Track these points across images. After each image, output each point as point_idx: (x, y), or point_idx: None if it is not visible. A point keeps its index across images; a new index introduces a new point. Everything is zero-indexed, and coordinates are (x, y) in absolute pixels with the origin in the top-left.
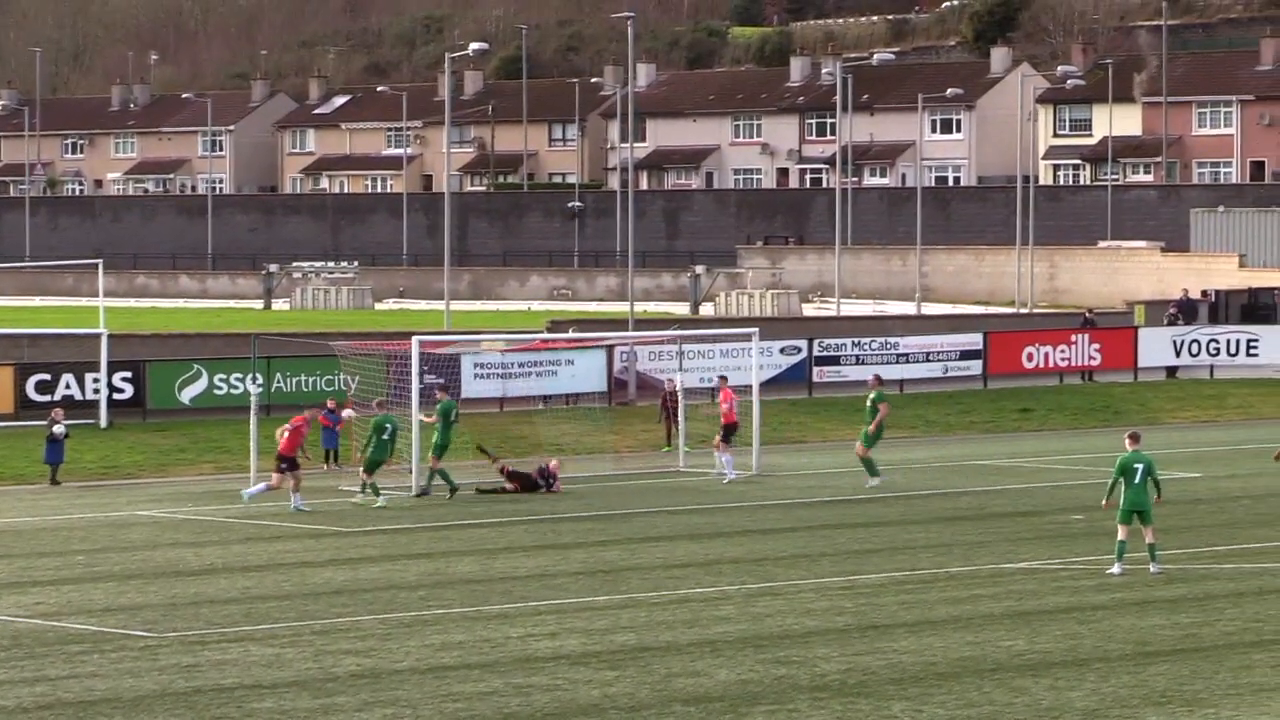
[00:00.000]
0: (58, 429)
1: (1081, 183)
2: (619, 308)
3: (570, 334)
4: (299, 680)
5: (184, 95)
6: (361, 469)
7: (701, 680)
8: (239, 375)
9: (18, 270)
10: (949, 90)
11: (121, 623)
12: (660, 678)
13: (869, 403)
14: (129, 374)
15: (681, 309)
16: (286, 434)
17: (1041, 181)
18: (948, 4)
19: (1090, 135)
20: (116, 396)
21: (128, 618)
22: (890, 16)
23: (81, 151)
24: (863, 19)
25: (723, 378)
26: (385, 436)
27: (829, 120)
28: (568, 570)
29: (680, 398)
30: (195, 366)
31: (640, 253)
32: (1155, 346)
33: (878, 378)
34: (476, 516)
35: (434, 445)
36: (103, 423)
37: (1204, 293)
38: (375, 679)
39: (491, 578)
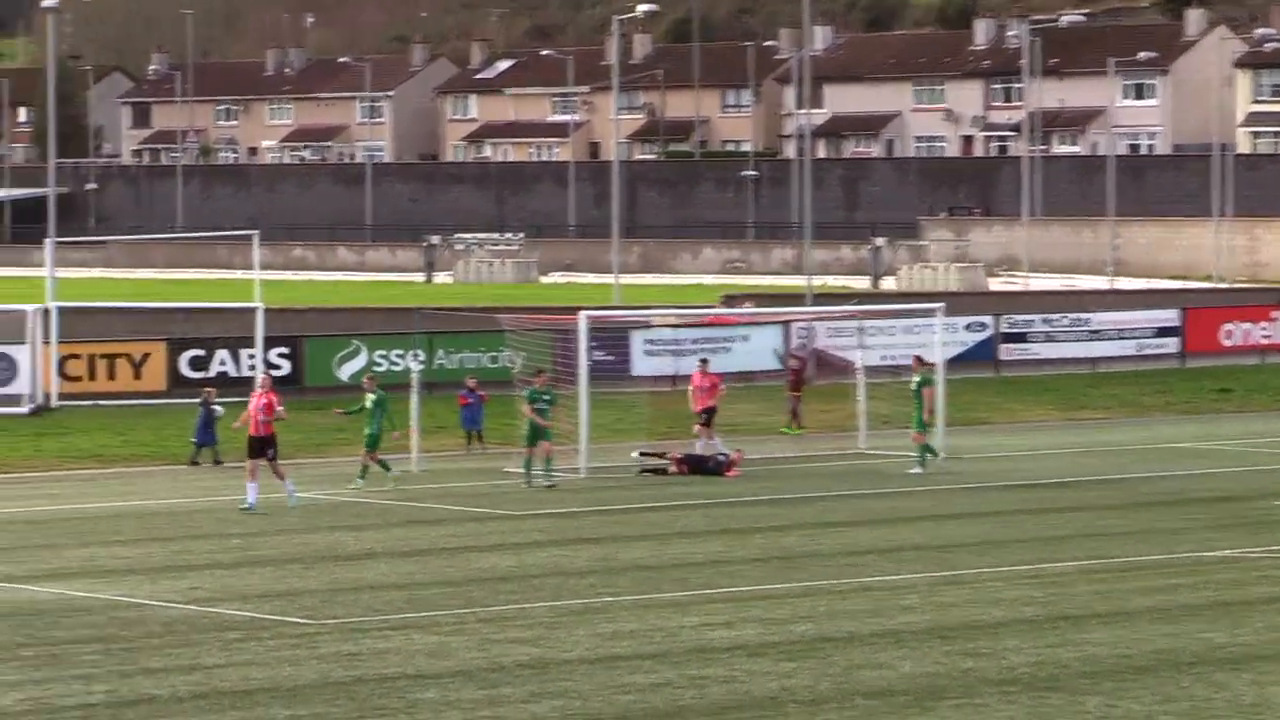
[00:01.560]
0: (218, 411)
1: None
2: (795, 282)
3: (745, 309)
4: (464, 670)
5: (341, 59)
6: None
7: (884, 673)
8: (400, 352)
9: (170, 242)
10: (1141, 53)
11: (279, 609)
12: (841, 670)
13: (914, 387)
14: (286, 350)
15: (861, 283)
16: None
17: (1240, 150)
18: None
19: None
20: (273, 373)
21: (286, 604)
22: None
23: (235, 118)
24: None
25: (703, 360)
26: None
27: (1015, 85)
28: (744, 557)
29: (861, 377)
30: (354, 342)
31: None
32: None
33: (919, 359)
34: (648, 500)
35: (367, 437)
36: None
37: None
38: (543, 669)
39: (664, 564)
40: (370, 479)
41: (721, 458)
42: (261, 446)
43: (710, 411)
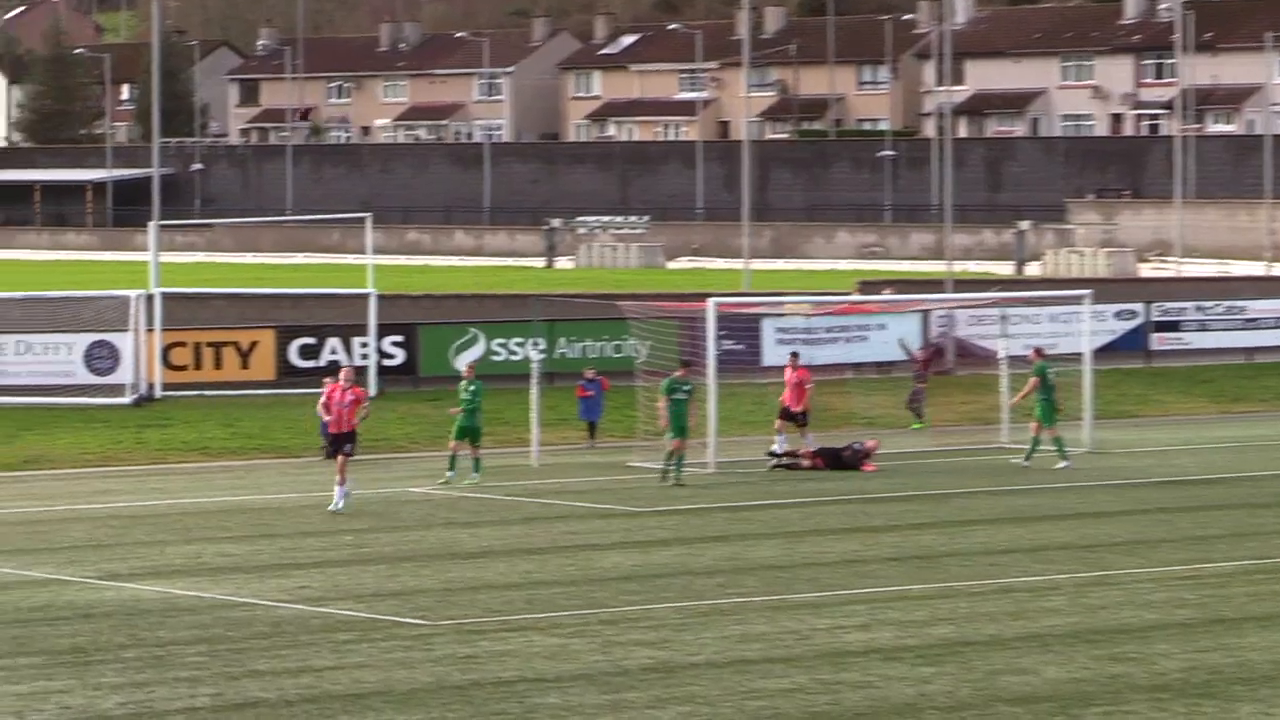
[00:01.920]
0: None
1: None
2: (935, 267)
3: (883, 296)
4: (586, 673)
5: (458, 34)
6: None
7: (1028, 678)
8: (519, 340)
9: (279, 225)
10: None
11: (393, 609)
12: (982, 675)
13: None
14: (400, 338)
15: (1004, 269)
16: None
17: None
18: None
19: None
20: (386, 362)
21: (399, 603)
22: None
23: (347, 96)
24: None
25: (793, 354)
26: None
27: (1167, 61)
28: (879, 556)
29: (1004, 367)
30: (471, 330)
31: (958, 207)
32: None
33: (1038, 351)
34: (779, 496)
35: (461, 429)
36: (372, 390)
37: None
38: (669, 673)
39: (796, 563)
40: (460, 473)
41: (858, 447)
42: (342, 442)
43: (801, 412)
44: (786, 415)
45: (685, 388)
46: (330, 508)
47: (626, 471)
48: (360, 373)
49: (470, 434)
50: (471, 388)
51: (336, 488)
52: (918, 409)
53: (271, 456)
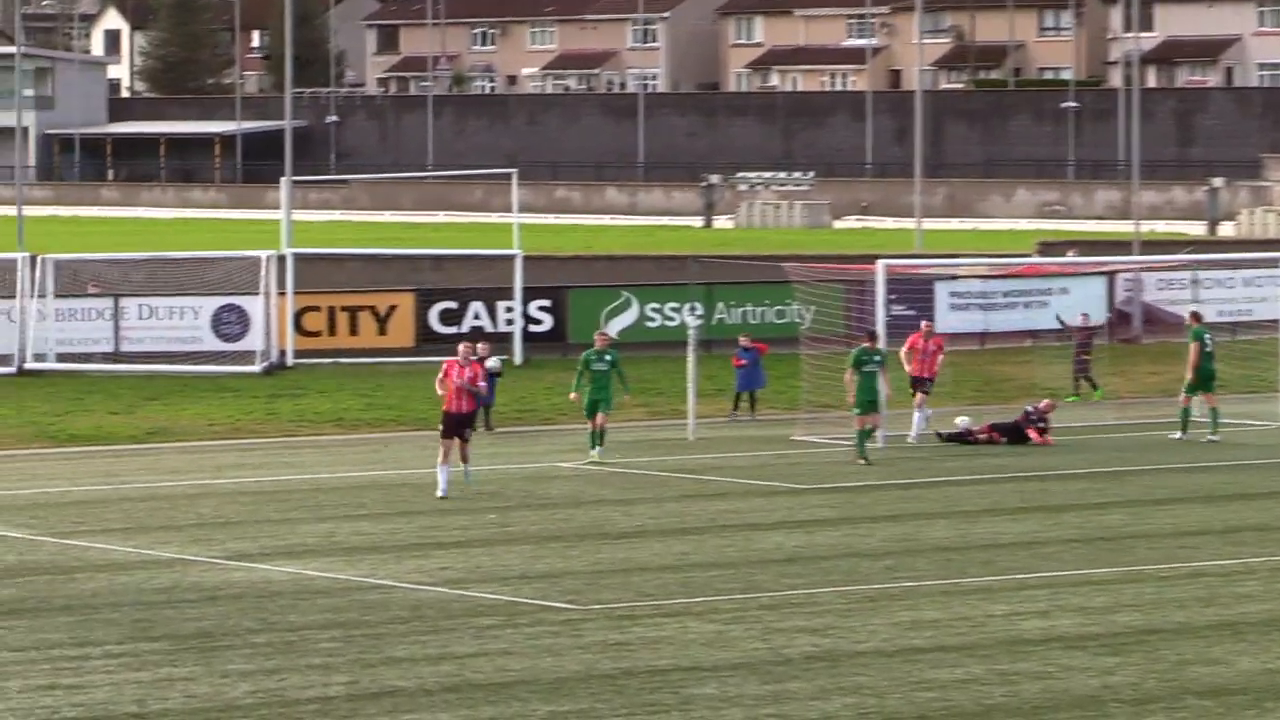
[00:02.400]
0: (492, 362)
1: None
2: (1121, 227)
3: (1066, 258)
4: (745, 662)
5: None
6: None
7: (1219, 669)
8: (675, 305)
9: (419, 181)
10: None
11: (539, 592)
12: (1170, 665)
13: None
14: (547, 302)
15: (1196, 229)
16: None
17: None
18: None
19: None
20: (533, 329)
21: (546, 586)
22: None
23: (492, 43)
24: None
25: (927, 321)
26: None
27: None
28: (1060, 537)
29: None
30: (624, 294)
31: (1146, 163)
32: None
33: (1195, 315)
34: (951, 473)
35: (594, 403)
36: (517, 359)
37: None
38: (834, 662)
39: (970, 545)
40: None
41: (1030, 409)
42: (461, 425)
43: (928, 380)
44: (916, 385)
45: (876, 359)
46: (438, 493)
47: (789, 446)
48: (504, 340)
49: (599, 406)
50: (607, 357)
51: (440, 470)
52: (1089, 379)
53: (410, 429)
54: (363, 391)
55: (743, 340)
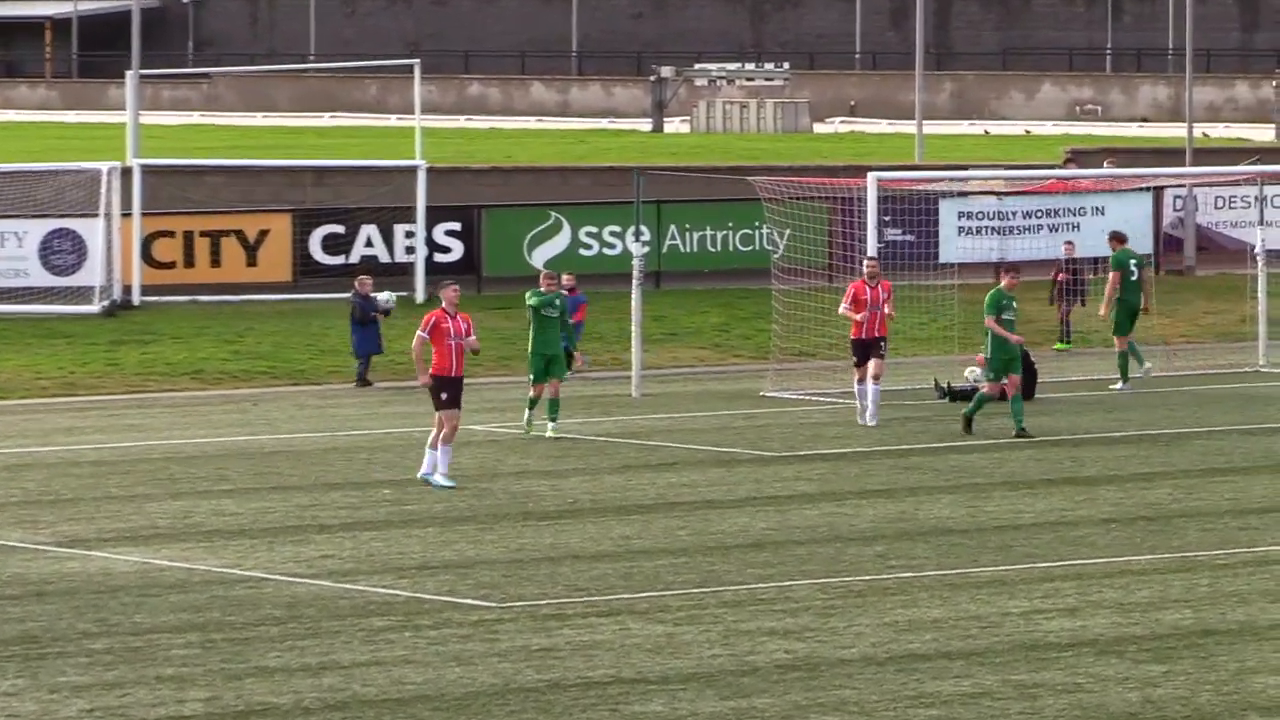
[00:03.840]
0: (383, 297)
1: None
2: (1170, 132)
3: (1101, 169)
4: (701, 672)
5: None
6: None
7: None
8: (615, 229)
9: (298, 75)
10: None
11: (445, 586)
12: (1228, 675)
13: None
14: (456, 226)
15: (1263, 134)
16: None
17: None
18: None
19: None
20: (439, 259)
21: (454, 579)
22: None
23: None
24: None
25: (871, 259)
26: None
27: None
28: (1092, 516)
29: (1262, 265)
30: (553, 215)
31: (1202, 51)
32: None
33: (1117, 236)
34: (959, 437)
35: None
36: (419, 296)
37: None
38: (811, 672)
39: (981, 526)
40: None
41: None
42: (456, 392)
43: (880, 341)
44: (862, 350)
45: (1014, 305)
46: (421, 474)
47: (757, 403)
48: (402, 273)
49: (554, 367)
50: (558, 301)
51: (428, 451)
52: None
53: (286, 383)
54: (227, 337)
55: (565, 280)
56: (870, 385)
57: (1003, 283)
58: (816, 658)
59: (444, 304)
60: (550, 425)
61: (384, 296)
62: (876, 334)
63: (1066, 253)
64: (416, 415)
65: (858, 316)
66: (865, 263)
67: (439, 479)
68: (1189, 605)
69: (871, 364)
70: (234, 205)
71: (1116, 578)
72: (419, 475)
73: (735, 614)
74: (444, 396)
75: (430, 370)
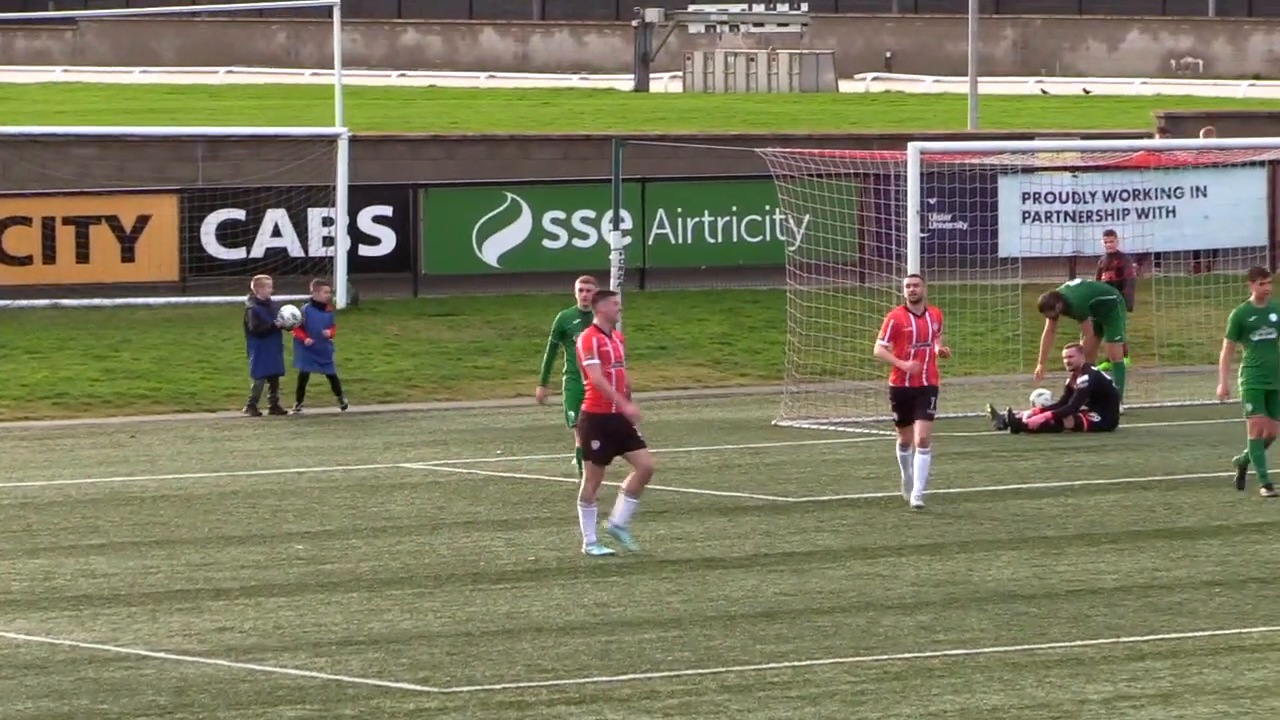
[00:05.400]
0: (288, 312)
1: None
2: None
3: (1202, 139)
4: None
5: None
6: None
7: None
8: (588, 214)
9: (187, 20)
10: None
11: (374, 666)
12: None
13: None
14: (387, 210)
15: None
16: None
17: None
18: None
19: None
20: (365, 252)
21: (386, 658)
22: None
23: None
24: None
25: (914, 276)
26: None
27: None
28: (1193, 578)
29: None
30: (508, 197)
31: None
32: None
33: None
34: (1024, 477)
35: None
36: (340, 299)
37: None
38: None
39: (1053, 591)
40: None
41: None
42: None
43: (929, 394)
44: (905, 402)
45: (1272, 318)
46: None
47: (770, 434)
48: (318, 269)
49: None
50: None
51: (583, 508)
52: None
53: (171, 410)
54: (98, 351)
55: (321, 291)
56: (918, 454)
57: (1251, 296)
58: None
59: (597, 319)
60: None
61: (287, 312)
62: (925, 382)
63: (1108, 246)
64: (335, 451)
65: (905, 365)
66: (906, 284)
67: (627, 538)
68: None
69: (918, 426)
70: (106, 185)
71: (1223, 655)
72: (609, 526)
73: (741, 701)
74: (601, 437)
75: (584, 407)
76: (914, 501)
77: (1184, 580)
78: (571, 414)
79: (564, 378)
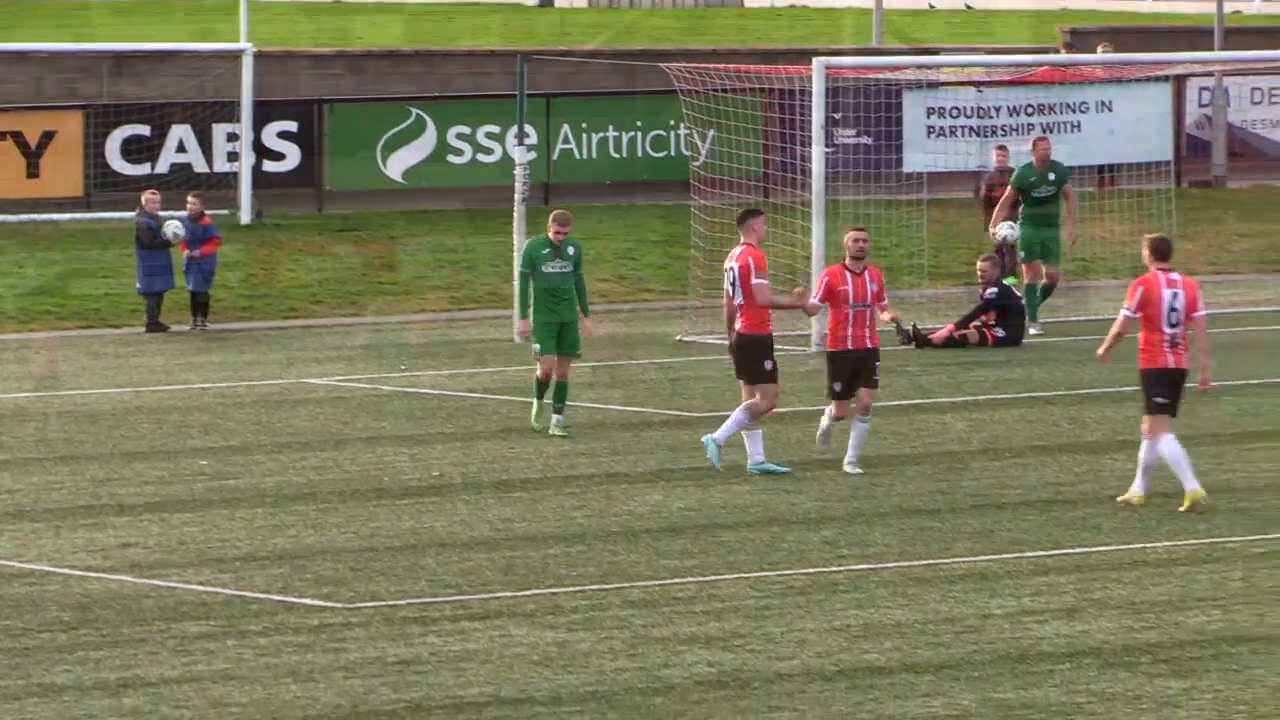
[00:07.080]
0: (170, 228)
1: None
2: (1195, 7)
3: (1101, 53)
4: (602, 690)
5: None
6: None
7: None
8: (492, 129)
9: None
10: None
11: (278, 582)
12: (1265, 692)
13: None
14: (292, 126)
15: None
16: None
17: None
18: None
19: None
20: (270, 167)
21: (290, 573)
22: None
23: None
24: None
25: (857, 231)
26: None
27: None
28: (1096, 493)
29: None
30: (413, 112)
31: None
32: None
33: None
34: (927, 391)
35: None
36: (244, 216)
37: None
38: (741, 690)
39: (957, 506)
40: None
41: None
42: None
43: (869, 357)
44: (844, 376)
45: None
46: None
47: (673, 350)
48: (223, 185)
49: (567, 340)
50: (570, 250)
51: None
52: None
53: (75, 326)
54: (2, 267)
55: (191, 202)
56: (858, 422)
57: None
58: (747, 671)
59: (750, 239)
60: (555, 419)
61: (171, 226)
62: (868, 344)
63: (999, 161)
64: (240, 366)
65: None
66: (850, 238)
67: (771, 464)
68: (1217, 605)
69: (863, 393)
70: (9, 101)
71: (1126, 570)
72: (750, 468)
73: (645, 616)
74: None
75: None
76: (850, 468)
77: (1088, 495)
78: (537, 346)
79: (531, 308)
